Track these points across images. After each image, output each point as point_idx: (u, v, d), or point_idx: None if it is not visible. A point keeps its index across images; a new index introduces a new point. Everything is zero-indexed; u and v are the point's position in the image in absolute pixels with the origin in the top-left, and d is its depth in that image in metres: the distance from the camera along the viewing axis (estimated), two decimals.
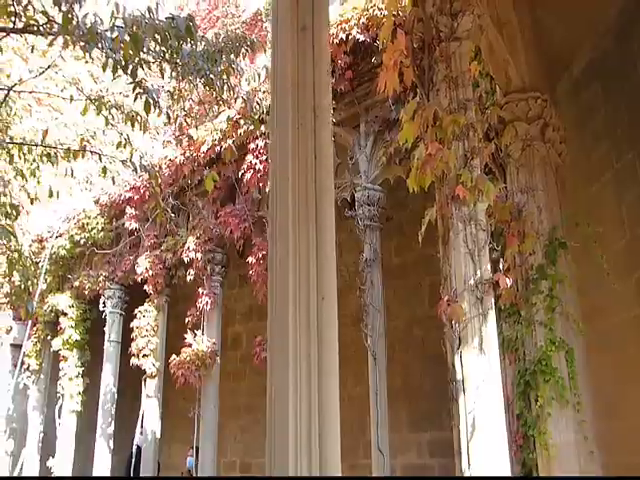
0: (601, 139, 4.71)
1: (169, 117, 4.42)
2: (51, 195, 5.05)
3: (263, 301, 6.52)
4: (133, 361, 7.99)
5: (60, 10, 3.52)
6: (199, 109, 6.93)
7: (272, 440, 2.02)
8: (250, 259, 6.64)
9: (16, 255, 5.23)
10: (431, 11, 3.25)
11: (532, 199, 4.38)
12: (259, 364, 6.38)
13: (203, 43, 4.14)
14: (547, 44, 4.66)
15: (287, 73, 2.13)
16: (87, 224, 9.16)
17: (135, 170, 4.66)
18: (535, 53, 4.58)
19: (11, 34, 4.10)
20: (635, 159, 4.22)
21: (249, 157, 6.56)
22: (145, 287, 8.17)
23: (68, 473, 9.12)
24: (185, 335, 7.23)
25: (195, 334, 7.21)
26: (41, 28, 3.90)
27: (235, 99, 5.49)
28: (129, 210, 8.42)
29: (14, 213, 4.99)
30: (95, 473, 8.69)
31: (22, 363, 10.12)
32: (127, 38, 3.56)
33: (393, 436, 5.35)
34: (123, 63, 3.69)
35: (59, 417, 9.48)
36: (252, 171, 6.51)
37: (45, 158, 4.96)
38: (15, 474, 10.11)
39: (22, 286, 5.50)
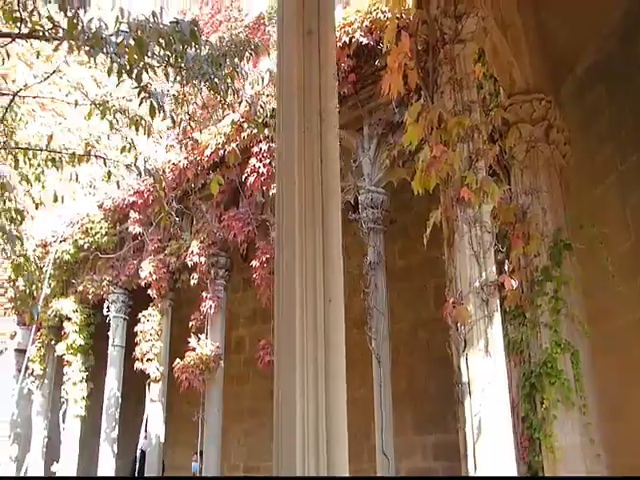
0: (605, 141, 4.71)
1: (174, 121, 4.43)
2: (56, 200, 5.07)
3: (267, 304, 6.52)
4: (137, 365, 7.99)
5: (65, 15, 3.54)
6: (202, 113, 6.95)
7: (279, 444, 2.01)
8: (254, 263, 6.64)
9: (22, 260, 5.24)
10: (435, 13, 3.26)
11: (536, 201, 4.37)
12: (263, 368, 6.38)
13: (207, 47, 4.16)
14: (551, 46, 4.66)
15: (293, 77, 2.14)
16: (91, 229, 9.19)
17: (140, 174, 4.67)
18: (539, 55, 4.59)
19: (16, 39, 4.12)
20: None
21: (253, 160, 6.58)
22: (149, 291, 8.19)
23: None
24: (189, 339, 7.23)
25: (199, 338, 7.21)
26: (46, 33, 3.91)
27: (239, 103, 5.51)
28: (133, 214, 8.44)
29: (19, 218, 5.01)
30: None
31: (26, 368, 10.12)
32: (132, 42, 3.58)
33: (398, 439, 5.34)
34: (128, 67, 3.70)
35: (63, 422, 9.48)
36: (256, 174, 6.52)
37: (50, 163, 4.98)
38: None
39: (27, 291, 5.51)
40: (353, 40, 5.44)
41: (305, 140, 2.10)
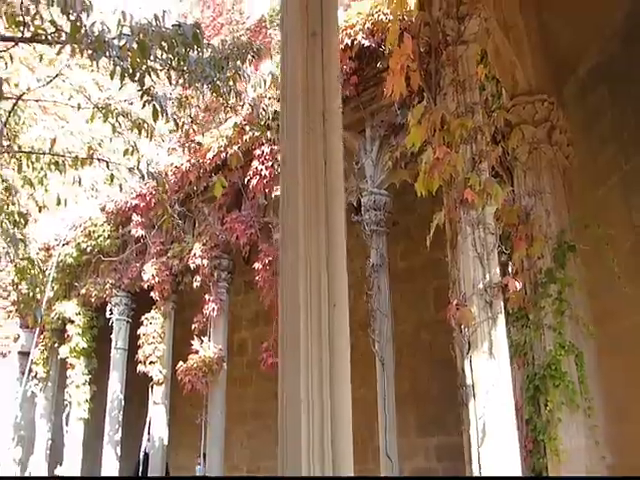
0: (607, 142, 4.70)
1: (177, 124, 4.44)
2: (59, 203, 5.07)
3: (269, 307, 6.52)
4: (140, 368, 7.99)
5: (68, 19, 3.55)
6: (204, 116, 6.96)
7: (284, 446, 2.01)
8: (256, 265, 6.64)
9: (25, 263, 5.25)
10: (438, 15, 3.26)
11: (540, 202, 4.36)
12: (266, 370, 6.37)
13: (209, 50, 4.16)
14: (553, 47, 4.65)
15: (297, 78, 2.14)
16: (93, 232, 9.20)
17: (142, 177, 4.68)
18: (542, 56, 4.58)
19: (19, 43, 4.13)
20: None
21: (255, 163, 6.58)
22: (151, 294, 8.19)
23: None
24: (192, 342, 7.23)
25: (202, 340, 7.20)
26: (49, 37, 3.92)
27: (242, 105, 5.52)
28: (135, 217, 8.44)
29: (22, 221, 5.02)
30: None
31: (30, 371, 10.13)
32: (134, 46, 3.59)
33: (401, 441, 5.32)
34: (131, 71, 3.71)
35: (67, 424, 9.48)
36: (258, 177, 6.52)
37: (53, 166, 4.99)
38: None
39: (30, 294, 5.53)
40: (355, 42, 5.44)
41: (309, 141, 2.11)
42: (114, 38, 3.72)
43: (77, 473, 9.18)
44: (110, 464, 8.70)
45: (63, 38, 3.90)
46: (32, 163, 5.17)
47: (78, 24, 3.55)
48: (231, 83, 4.22)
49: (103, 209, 9.16)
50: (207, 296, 7.34)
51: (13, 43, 4.12)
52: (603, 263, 4.19)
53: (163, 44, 3.75)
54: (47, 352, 10.29)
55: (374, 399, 5.27)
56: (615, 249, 4.20)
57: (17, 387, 10.58)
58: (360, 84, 5.69)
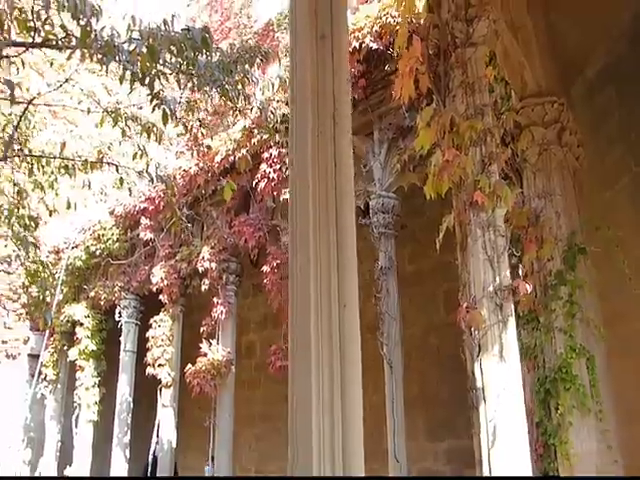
0: (615, 143, 4.68)
1: (186, 127, 4.46)
2: (69, 207, 5.11)
3: (277, 310, 6.52)
4: (149, 371, 8.01)
5: (78, 24, 3.58)
6: (211, 119, 6.99)
7: (295, 450, 2.00)
8: (265, 268, 6.64)
9: (35, 266, 5.30)
10: (446, 17, 3.26)
11: (550, 204, 4.33)
12: (274, 372, 6.37)
13: (218, 54, 4.18)
14: (561, 48, 4.64)
15: (306, 81, 2.14)
16: (102, 235, 9.25)
17: (152, 180, 4.70)
18: (550, 57, 4.57)
19: (30, 48, 4.17)
20: None
21: (263, 166, 6.59)
22: (160, 297, 8.21)
23: None
24: (200, 344, 7.24)
25: (210, 343, 7.21)
26: (59, 42, 3.96)
27: (250, 109, 5.54)
28: (144, 221, 8.48)
29: (33, 225, 5.06)
30: None
31: (39, 373, 10.19)
32: (144, 50, 3.61)
33: (410, 444, 5.30)
34: (140, 75, 3.73)
35: (76, 427, 9.52)
36: (266, 180, 6.53)
37: (63, 170, 5.03)
38: None
39: (40, 297, 5.57)
40: (363, 45, 5.44)
41: (319, 144, 2.11)
42: (124, 42, 3.75)
43: (86, 475, 9.21)
44: (119, 466, 8.73)
45: (73, 43, 3.93)
46: (42, 167, 5.21)
47: (88, 29, 3.58)
48: (240, 87, 4.24)
49: (112, 213, 9.22)
50: (215, 299, 7.35)
51: (24, 48, 4.16)
52: (613, 265, 4.16)
53: (172, 48, 3.77)
54: (57, 354, 10.34)
55: (382, 403, 5.25)
56: (625, 251, 4.18)
57: (27, 389, 10.65)
58: (368, 87, 5.69)
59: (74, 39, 3.91)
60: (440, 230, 3.34)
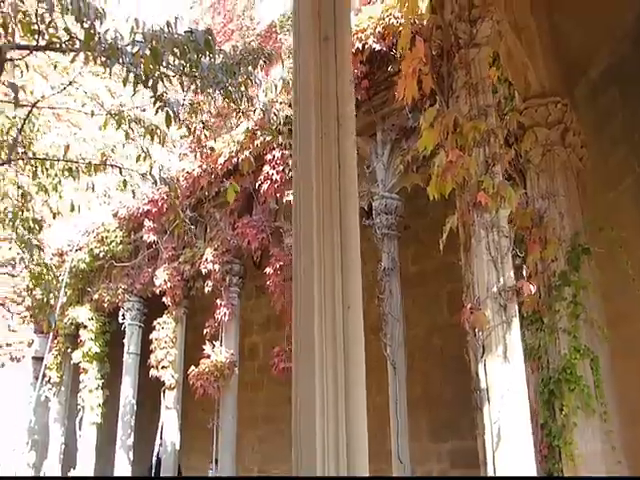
0: (618, 144, 4.68)
1: (189, 129, 4.47)
2: (72, 209, 5.13)
3: (280, 311, 6.52)
4: (152, 373, 8.02)
5: (82, 27, 3.60)
6: (214, 121, 7.00)
7: (299, 451, 2.00)
8: (268, 270, 6.65)
9: (39, 269, 5.31)
10: (450, 18, 3.26)
11: (553, 205, 4.33)
12: (278, 374, 6.37)
13: (221, 56, 4.19)
14: (565, 49, 4.64)
15: (310, 83, 2.15)
16: (106, 237, 9.26)
17: (155, 183, 4.71)
18: (553, 58, 4.56)
19: (34, 51, 4.19)
20: None
21: (266, 168, 6.60)
22: (163, 299, 8.22)
23: None
24: (203, 346, 7.24)
25: (213, 345, 7.22)
26: (63, 45, 3.97)
27: (253, 111, 5.55)
28: (147, 223, 8.49)
29: (37, 228, 5.08)
30: None
31: (43, 375, 10.20)
32: (147, 52, 3.62)
33: (413, 445, 5.30)
34: (143, 77, 3.74)
35: (80, 429, 9.54)
36: (269, 182, 6.54)
37: (67, 173, 5.05)
38: None
39: (44, 299, 5.58)
40: (366, 46, 5.44)
41: (323, 146, 2.11)
42: (127, 45, 3.76)
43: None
44: (123, 468, 8.73)
45: (77, 46, 3.95)
46: (46, 170, 5.23)
47: (92, 32, 3.59)
48: (243, 88, 4.25)
49: (115, 215, 9.24)
50: (219, 301, 7.36)
51: (28, 51, 4.18)
52: (617, 266, 4.15)
53: (175, 50, 3.78)
54: (60, 357, 10.35)
55: (386, 404, 5.25)
56: (629, 252, 4.17)
57: (31, 392, 10.66)
58: (371, 88, 5.69)
59: (78, 42, 3.93)
60: (444, 231, 3.34)
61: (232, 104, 4.39)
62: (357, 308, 2.09)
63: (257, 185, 6.74)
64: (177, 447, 8.00)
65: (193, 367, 7.16)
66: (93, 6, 3.55)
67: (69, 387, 10.41)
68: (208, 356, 7.13)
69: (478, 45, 3.23)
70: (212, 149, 6.94)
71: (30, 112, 4.92)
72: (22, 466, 10.54)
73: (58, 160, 5.24)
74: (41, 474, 10.20)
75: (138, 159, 5.05)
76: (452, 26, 3.24)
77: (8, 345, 11.11)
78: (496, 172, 3.11)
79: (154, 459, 8.51)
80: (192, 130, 5.10)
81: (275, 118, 5.90)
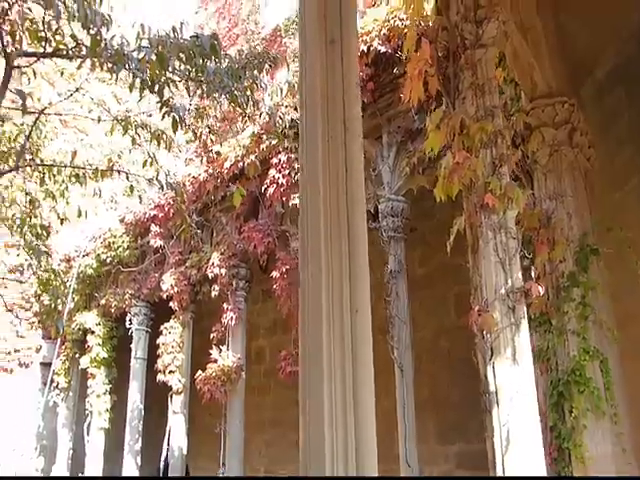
0: (624, 144, 4.65)
1: (195, 134, 4.49)
2: (79, 215, 5.15)
3: (287, 315, 6.52)
4: (159, 377, 8.03)
5: (88, 33, 3.62)
6: (220, 126, 7.02)
7: (307, 457, 1.99)
8: (274, 273, 6.64)
9: (47, 275, 5.33)
10: (455, 19, 3.25)
11: (561, 205, 4.31)
12: (284, 378, 6.36)
13: (227, 60, 4.20)
14: (570, 49, 4.63)
15: (316, 86, 2.15)
16: (113, 243, 9.29)
17: (161, 188, 4.73)
18: (559, 58, 4.55)
19: (41, 58, 4.22)
20: None
21: (272, 172, 6.60)
22: (170, 304, 8.23)
23: None
24: (210, 351, 7.25)
25: (220, 349, 7.22)
26: (70, 52, 4.00)
27: (260, 114, 5.56)
28: (154, 228, 8.52)
29: (44, 234, 5.10)
30: None
31: (52, 381, 10.24)
32: (153, 58, 3.64)
33: (421, 447, 5.27)
34: (149, 83, 3.76)
35: (88, 434, 9.56)
36: (275, 185, 6.54)
37: (74, 179, 5.07)
38: None
39: (52, 305, 5.61)
40: (371, 49, 5.44)
41: (329, 149, 2.11)
42: (133, 51, 3.78)
43: None
44: (130, 473, 8.74)
45: (84, 52, 3.97)
46: (54, 176, 5.26)
47: (98, 38, 3.61)
48: (249, 92, 4.26)
49: (122, 220, 9.26)
50: (225, 305, 7.36)
51: (35, 58, 4.21)
52: (625, 266, 4.13)
53: (181, 55, 3.80)
54: (68, 362, 10.38)
55: (393, 407, 5.23)
56: (637, 251, 4.14)
57: (39, 397, 10.70)
58: (376, 90, 5.69)
59: (84, 48, 3.95)
60: (451, 233, 3.32)
61: (238, 108, 4.40)
62: (365, 313, 2.08)
63: (263, 189, 6.74)
64: (184, 452, 7.99)
65: (200, 371, 7.17)
66: (99, 13, 3.58)
67: (77, 392, 10.44)
68: (215, 360, 7.13)
69: (484, 46, 3.22)
70: (218, 153, 6.95)
71: (37, 119, 4.96)
72: (31, 471, 10.57)
73: (65, 166, 5.27)
74: None
75: (144, 164, 5.06)
76: (458, 27, 3.24)
77: (16, 351, 11.16)
78: (503, 173, 3.10)
79: (162, 464, 8.51)
80: (198, 135, 5.12)
81: (281, 122, 5.90)
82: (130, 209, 9.02)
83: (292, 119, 6.08)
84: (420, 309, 6.70)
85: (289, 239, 6.73)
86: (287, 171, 6.47)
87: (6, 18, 3.82)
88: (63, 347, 10.41)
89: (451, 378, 6.69)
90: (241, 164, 6.99)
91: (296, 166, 6.11)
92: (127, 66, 3.71)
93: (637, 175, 4.49)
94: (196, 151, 8.63)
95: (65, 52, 4.04)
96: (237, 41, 11.44)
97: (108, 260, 9.37)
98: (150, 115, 5.53)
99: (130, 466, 8.75)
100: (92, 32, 3.60)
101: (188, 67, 3.91)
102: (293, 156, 6.32)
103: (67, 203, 5.53)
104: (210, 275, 7.45)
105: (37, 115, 4.94)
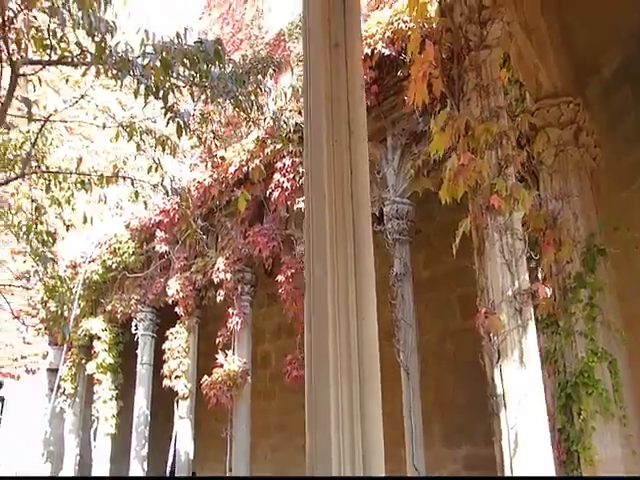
0: (631, 142, 4.63)
1: (200, 140, 4.50)
2: (85, 221, 5.17)
3: (292, 319, 6.51)
4: (165, 383, 8.02)
5: (93, 40, 3.64)
6: (224, 130, 7.04)
7: (314, 461, 1.98)
8: (279, 277, 6.64)
9: (53, 281, 5.35)
10: (460, 21, 3.25)
11: (567, 206, 4.28)
12: (290, 382, 6.35)
13: (231, 65, 4.22)
14: (575, 49, 4.62)
15: (320, 89, 2.15)
16: (119, 249, 9.32)
17: (166, 193, 4.74)
18: (564, 58, 4.54)
19: (46, 66, 4.25)
20: None
21: (276, 176, 6.61)
22: (176, 309, 8.24)
23: None
24: (216, 355, 7.24)
25: (226, 354, 7.21)
26: (75, 59, 4.02)
27: (264, 119, 5.58)
28: (159, 233, 8.53)
29: (50, 240, 5.12)
30: None
31: (58, 387, 10.26)
32: (157, 64, 3.65)
33: (426, 451, 5.24)
34: (154, 89, 3.78)
35: (94, 440, 9.56)
36: (280, 190, 6.54)
37: (79, 185, 5.09)
38: None
39: (58, 311, 5.62)
40: (375, 52, 5.43)
41: (334, 153, 2.11)
42: (138, 57, 3.80)
43: None
44: None
45: (88, 59, 4.00)
46: (59, 183, 5.28)
47: (103, 45, 3.64)
48: (253, 97, 4.27)
49: (128, 226, 9.29)
50: (231, 310, 7.36)
51: (41, 66, 4.23)
52: (633, 266, 4.10)
53: (185, 61, 3.81)
54: (75, 368, 10.41)
55: (399, 410, 5.20)
56: None
57: (46, 403, 10.73)
58: (381, 93, 5.69)
59: (89, 55, 3.98)
60: (456, 235, 3.31)
61: (242, 113, 4.41)
62: (371, 315, 2.07)
63: (268, 193, 6.75)
64: (191, 457, 7.99)
65: (206, 376, 7.16)
66: (104, 20, 3.60)
67: (83, 398, 10.46)
68: (221, 365, 7.13)
69: (489, 47, 3.21)
70: (223, 158, 6.96)
71: (43, 126, 4.98)
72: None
73: (71, 173, 5.30)
74: None
75: (149, 170, 5.08)
76: (462, 28, 3.23)
77: (23, 357, 11.20)
78: (509, 174, 3.09)
79: (168, 469, 8.50)
80: (203, 140, 5.13)
81: (285, 126, 5.91)
82: (135, 215, 9.05)
83: (296, 123, 6.09)
84: (425, 312, 6.68)
85: (294, 243, 6.73)
86: (292, 175, 6.47)
87: (12, 26, 3.84)
88: (69, 353, 10.43)
89: (457, 381, 6.66)
90: (246, 169, 7.00)
91: (301, 170, 6.11)
92: (132, 72, 3.73)
93: None
94: (201, 156, 8.65)
95: (70, 59, 4.07)
96: (241, 46, 11.48)
97: (114, 266, 9.40)
98: (155, 121, 5.55)
99: (137, 472, 8.74)
100: (97, 39, 3.63)
101: (192, 72, 3.93)
102: (298, 160, 6.33)
103: (73, 210, 5.55)
104: (215, 280, 7.45)
105: (43, 122, 4.97)
